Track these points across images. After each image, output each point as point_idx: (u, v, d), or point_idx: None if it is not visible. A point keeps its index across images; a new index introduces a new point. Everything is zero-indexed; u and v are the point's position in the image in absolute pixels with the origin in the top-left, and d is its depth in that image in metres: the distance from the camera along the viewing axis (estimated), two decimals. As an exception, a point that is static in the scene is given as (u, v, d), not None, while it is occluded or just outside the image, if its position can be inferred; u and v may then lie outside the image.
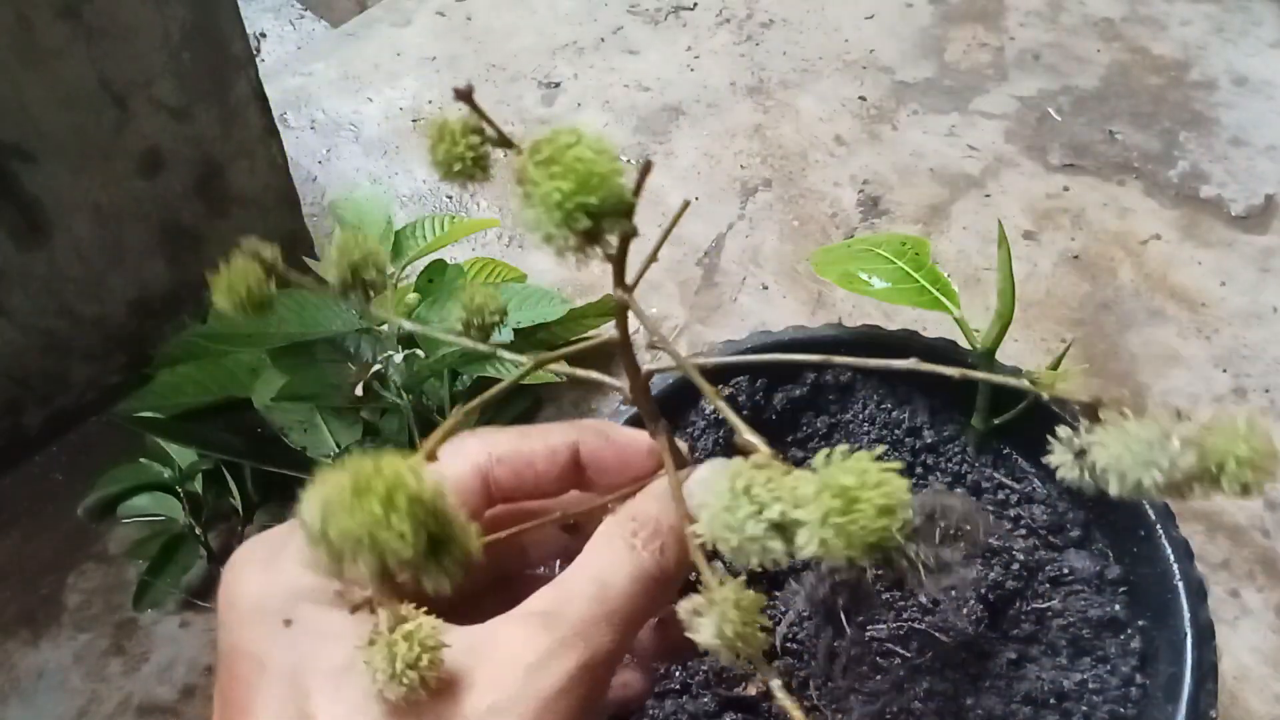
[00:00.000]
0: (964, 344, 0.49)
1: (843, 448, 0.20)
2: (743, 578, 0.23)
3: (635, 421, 0.47)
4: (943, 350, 0.51)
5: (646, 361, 0.29)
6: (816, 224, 0.82)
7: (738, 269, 0.79)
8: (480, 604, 0.28)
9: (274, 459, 0.65)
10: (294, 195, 0.77)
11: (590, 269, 0.79)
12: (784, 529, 0.20)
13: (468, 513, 0.29)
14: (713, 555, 0.30)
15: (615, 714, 0.35)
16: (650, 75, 0.95)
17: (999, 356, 0.47)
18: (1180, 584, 0.44)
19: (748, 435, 0.23)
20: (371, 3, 1.07)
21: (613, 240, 0.22)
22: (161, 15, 0.61)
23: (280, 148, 0.74)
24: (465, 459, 0.30)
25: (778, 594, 0.48)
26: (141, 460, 0.66)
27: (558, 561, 0.42)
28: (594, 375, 0.31)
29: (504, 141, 0.24)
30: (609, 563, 0.27)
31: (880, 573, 0.47)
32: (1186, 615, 0.43)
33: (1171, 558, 0.44)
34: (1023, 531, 0.49)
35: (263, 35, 1.18)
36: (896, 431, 0.52)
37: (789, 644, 0.46)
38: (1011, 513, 0.49)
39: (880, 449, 0.20)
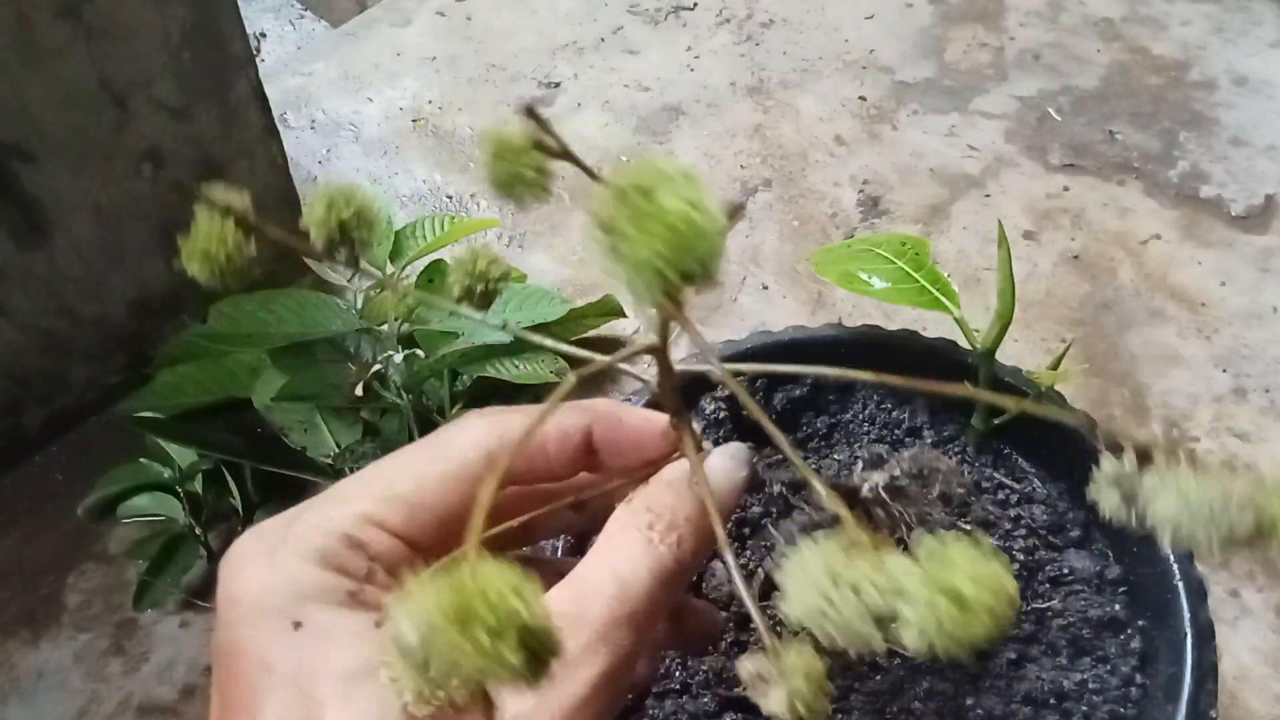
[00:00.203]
0: (964, 344, 0.49)
1: (946, 538, 0.20)
2: (808, 644, 0.22)
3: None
4: (943, 350, 0.51)
5: (645, 368, 0.29)
6: (816, 224, 0.82)
7: (738, 269, 0.79)
8: None
9: (274, 459, 0.65)
10: (294, 195, 0.77)
11: (590, 269, 0.80)
12: (884, 621, 0.20)
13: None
14: (712, 556, 0.30)
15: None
16: (650, 75, 0.95)
17: (999, 356, 0.47)
18: (1180, 584, 0.44)
19: (828, 502, 0.22)
20: (371, 3, 1.07)
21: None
22: (161, 15, 0.61)
23: (280, 148, 0.74)
24: (474, 444, 0.29)
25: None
26: (141, 460, 0.66)
27: (562, 537, 0.42)
28: (627, 368, 0.30)
29: (585, 170, 0.22)
30: (628, 559, 0.26)
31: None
32: (1186, 615, 0.43)
33: (1171, 558, 0.44)
34: (1023, 531, 0.48)
35: (263, 35, 1.18)
36: (896, 431, 0.52)
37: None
38: (1011, 513, 0.49)
39: (986, 539, 0.20)
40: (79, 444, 0.71)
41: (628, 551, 0.27)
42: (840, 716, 0.44)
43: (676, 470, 0.29)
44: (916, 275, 0.49)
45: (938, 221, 0.81)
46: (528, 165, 0.23)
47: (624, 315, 0.72)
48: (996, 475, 0.50)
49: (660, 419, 0.30)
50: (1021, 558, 0.47)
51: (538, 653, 0.18)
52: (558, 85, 0.95)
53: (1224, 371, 0.71)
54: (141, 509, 0.66)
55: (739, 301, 0.77)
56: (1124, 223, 0.80)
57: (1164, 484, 0.20)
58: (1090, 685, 0.45)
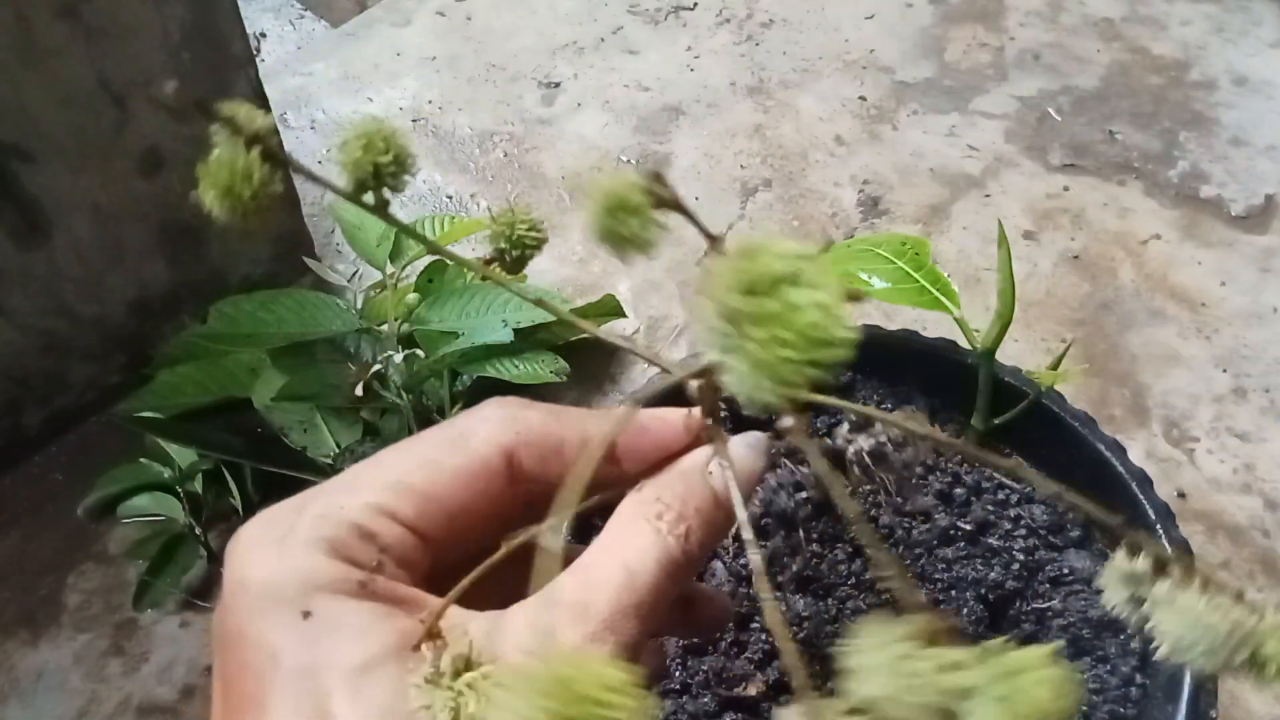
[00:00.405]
0: (964, 344, 0.49)
1: (1009, 647, 0.20)
2: (846, 700, 0.22)
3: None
4: (943, 350, 0.51)
5: (644, 368, 0.29)
6: (816, 224, 0.82)
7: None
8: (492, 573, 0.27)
9: (274, 459, 0.65)
10: (294, 195, 0.77)
11: (590, 269, 0.80)
12: (948, 714, 0.20)
13: (490, 500, 0.28)
14: (711, 557, 0.30)
15: None
16: (650, 75, 0.95)
17: (999, 357, 0.47)
18: (1181, 584, 0.44)
19: (911, 597, 0.22)
20: (371, 3, 1.07)
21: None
22: (161, 15, 0.61)
23: (280, 148, 0.74)
24: (491, 439, 0.28)
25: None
26: (141, 460, 0.66)
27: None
28: (629, 346, 0.30)
29: (702, 230, 0.21)
30: (636, 549, 0.26)
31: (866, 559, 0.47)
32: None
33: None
34: (1023, 531, 0.48)
35: (263, 35, 1.18)
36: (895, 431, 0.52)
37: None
38: (1011, 513, 0.49)
39: (1056, 644, 0.20)
40: (79, 444, 0.71)
41: (636, 542, 0.26)
42: None
43: (688, 460, 0.29)
44: (916, 275, 0.49)
45: (938, 221, 0.81)
46: (643, 223, 0.22)
47: (623, 315, 0.72)
48: (997, 475, 0.50)
49: (678, 415, 0.30)
50: (1021, 558, 0.47)
51: None
52: (558, 85, 0.95)
53: (1224, 371, 0.71)
54: (141, 509, 0.66)
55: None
56: (1124, 223, 0.80)
57: (1173, 600, 0.21)
58: (1090, 685, 0.45)
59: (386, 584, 0.25)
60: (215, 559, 0.64)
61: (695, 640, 0.46)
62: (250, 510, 0.65)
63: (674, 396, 0.28)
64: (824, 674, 0.46)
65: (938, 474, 0.50)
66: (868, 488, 0.49)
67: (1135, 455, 0.49)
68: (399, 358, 0.63)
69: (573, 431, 0.29)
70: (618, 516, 0.28)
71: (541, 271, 0.79)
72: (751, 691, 0.46)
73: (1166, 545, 0.22)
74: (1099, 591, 0.48)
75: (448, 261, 0.68)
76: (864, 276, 0.50)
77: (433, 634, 0.24)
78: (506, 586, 0.26)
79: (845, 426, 0.50)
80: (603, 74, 0.95)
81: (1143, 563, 0.22)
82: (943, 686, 0.20)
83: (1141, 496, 0.45)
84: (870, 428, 0.49)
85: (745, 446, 0.30)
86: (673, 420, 0.30)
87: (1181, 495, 0.65)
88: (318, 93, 0.95)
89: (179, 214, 0.68)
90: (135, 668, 0.61)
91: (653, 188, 0.21)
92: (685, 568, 0.27)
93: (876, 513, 0.49)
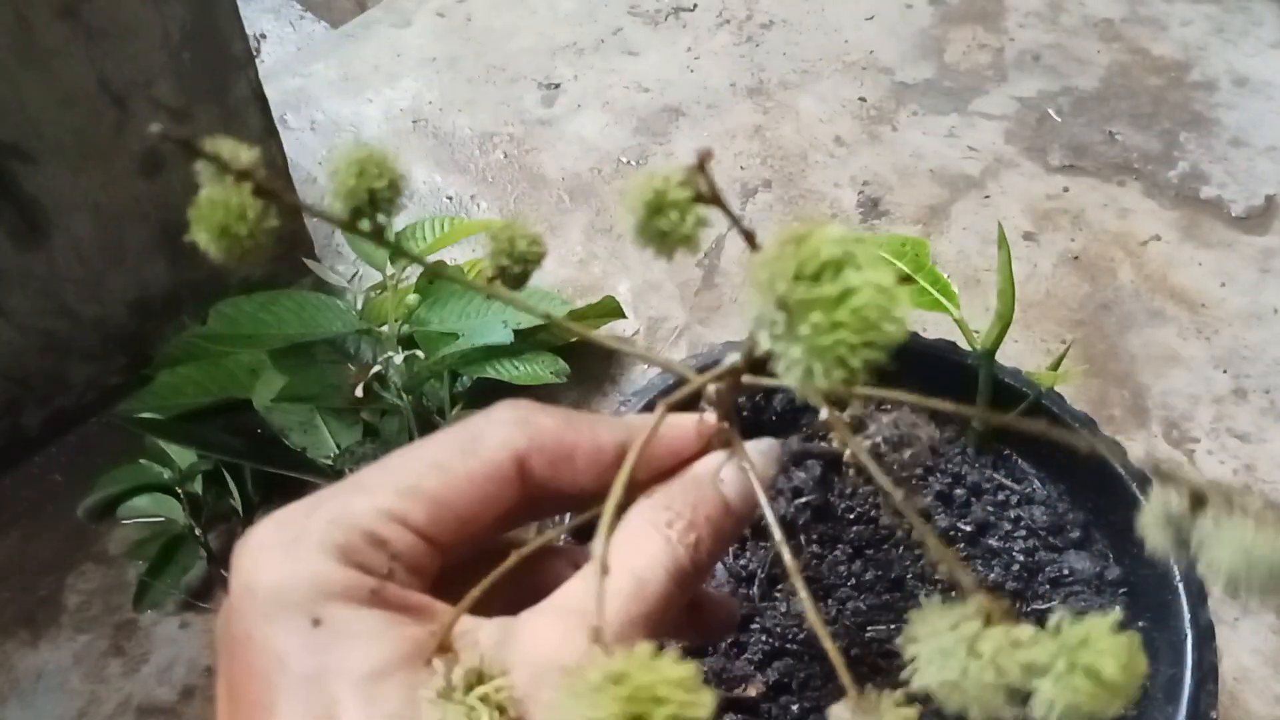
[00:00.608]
0: (964, 345, 0.49)
1: (1069, 618, 0.20)
2: (899, 695, 0.22)
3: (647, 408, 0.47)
4: (943, 351, 0.51)
5: (644, 369, 0.29)
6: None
7: (738, 270, 0.79)
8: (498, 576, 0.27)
9: (274, 460, 0.65)
10: (294, 196, 0.77)
11: (590, 270, 0.80)
12: (1015, 694, 0.20)
13: (500, 505, 0.28)
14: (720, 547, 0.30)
15: None
16: (650, 76, 0.95)
17: (999, 357, 0.47)
18: (1180, 585, 0.44)
19: (964, 577, 0.22)
20: (371, 3, 1.07)
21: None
22: (161, 15, 0.61)
23: (280, 148, 0.74)
24: (503, 444, 0.28)
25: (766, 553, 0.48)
26: (141, 461, 0.66)
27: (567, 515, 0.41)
28: (628, 349, 0.30)
29: (741, 229, 0.21)
30: (645, 557, 0.26)
31: (879, 573, 0.47)
32: (1187, 616, 0.43)
33: (1172, 558, 0.44)
34: (1022, 532, 0.48)
35: (262, 36, 1.18)
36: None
37: (789, 645, 0.46)
38: (1011, 514, 0.49)
39: (1115, 613, 0.20)
40: (79, 445, 0.71)
41: (646, 549, 0.26)
42: None
43: (699, 467, 0.29)
44: (916, 276, 0.49)
45: (937, 222, 0.81)
46: (690, 220, 0.21)
47: (623, 316, 0.72)
48: (996, 476, 0.50)
49: (690, 420, 0.30)
50: (1021, 559, 0.48)
51: None
52: (558, 86, 0.95)
53: (1224, 372, 0.71)
54: (141, 510, 0.66)
55: (739, 302, 0.77)
56: (1124, 223, 0.80)
57: (1219, 534, 0.21)
58: (1090, 686, 0.45)
59: (397, 591, 0.25)
60: (215, 560, 0.64)
61: (706, 640, 0.46)
62: (250, 511, 0.65)
63: (690, 400, 0.28)
64: (824, 674, 0.46)
65: (938, 475, 0.50)
66: (866, 488, 0.49)
67: (1135, 456, 0.49)
68: (399, 359, 0.63)
69: (585, 438, 0.28)
70: (627, 523, 0.27)
71: (542, 272, 0.78)
72: (751, 692, 0.46)
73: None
74: (1099, 592, 0.48)
75: (448, 262, 0.68)
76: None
77: (444, 647, 0.24)
78: (509, 588, 0.26)
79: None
80: (603, 75, 0.95)
81: (1179, 500, 0.21)
82: (1010, 665, 0.20)
83: (1142, 497, 0.45)
84: (865, 429, 0.49)
85: (758, 454, 0.30)
86: (685, 425, 0.29)
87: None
88: (317, 94, 0.95)
89: (179, 214, 0.68)
90: (135, 668, 0.61)
91: (694, 181, 0.21)
92: (694, 577, 0.27)
93: (876, 513, 0.49)
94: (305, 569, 0.24)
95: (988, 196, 0.83)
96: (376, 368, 0.64)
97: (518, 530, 0.31)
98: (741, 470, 0.29)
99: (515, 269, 0.28)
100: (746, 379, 0.27)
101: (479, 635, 0.25)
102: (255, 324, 0.65)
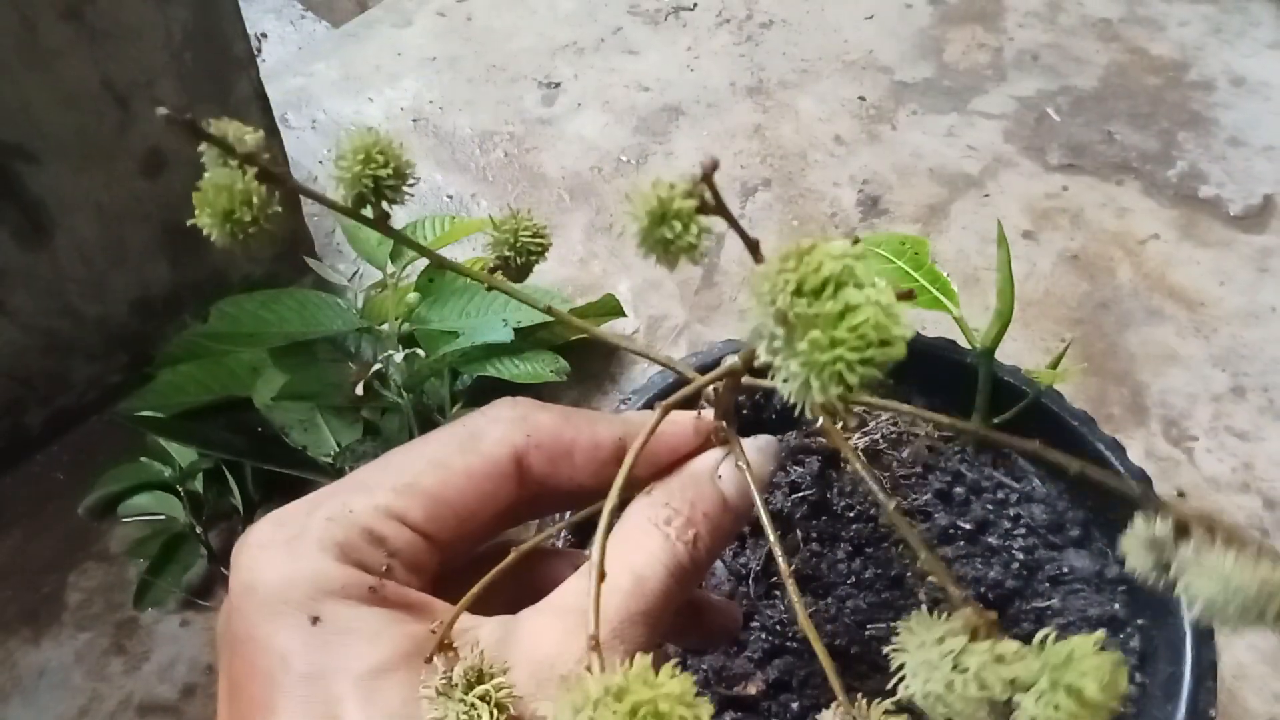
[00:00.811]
0: (963, 343, 0.49)
1: (1053, 635, 0.20)
2: (888, 704, 0.22)
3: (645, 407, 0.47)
4: (942, 350, 0.51)
5: (645, 368, 0.29)
6: (816, 224, 0.82)
7: (738, 269, 0.79)
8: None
9: (275, 458, 0.65)
10: (295, 196, 0.78)
11: (590, 269, 0.80)
12: (998, 708, 0.20)
13: (499, 502, 0.28)
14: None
15: None
16: (650, 75, 0.95)
17: (998, 356, 0.47)
18: (1179, 583, 0.44)
19: (954, 590, 0.22)
20: (372, 3, 1.08)
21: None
22: (163, 16, 0.61)
23: (281, 148, 0.74)
24: (502, 441, 0.28)
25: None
26: (142, 459, 0.66)
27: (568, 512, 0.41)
28: (630, 347, 0.30)
29: (744, 238, 0.21)
30: (644, 554, 0.26)
31: (879, 571, 0.47)
32: (1186, 614, 0.43)
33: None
34: (1022, 531, 0.49)
35: (264, 36, 1.18)
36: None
37: (788, 643, 0.46)
38: (1011, 512, 0.49)
39: (1099, 634, 0.20)
40: (80, 443, 0.71)
41: (644, 547, 0.26)
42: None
43: (697, 464, 0.29)
44: (916, 275, 0.49)
45: (937, 221, 0.82)
46: (693, 230, 0.21)
47: (623, 315, 0.73)
48: (996, 474, 0.50)
49: (688, 418, 0.30)
50: (1021, 557, 0.48)
51: None
52: (558, 85, 0.95)
53: (1222, 371, 0.71)
54: (142, 508, 0.66)
55: (739, 301, 0.77)
56: (1122, 222, 0.81)
57: (1200, 562, 0.21)
58: (1089, 684, 0.45)
59: (396, 589, 0.25)
60: (216, 558, 0.65)
61: (709, 645, 0.46)
62: (251, 509, 0.65)
63: (689, 398, 0.28)
64: (824, 672, 0.46)
65: (937, 473, 0.50)
66: (864, 488, 0.49)
67: (1134, 454, 0.49)
68: (399, 357, 0.63)
69: (583, 434, 0.29)
70: (626, 521, 0.27)
71: (541, 271, 0.78)
72: (751, 690, 0.46)
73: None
74: (1098, 590, 0.48)
75: (445, 260, 0.68)
76: (864, 276, 0.50)
77: (444, 645, 0.24)
78: (509, 587, 0.26)
79: (839, 425, 0.50)
80: (603, 74, 0.96)
81: (1164, 526, 0.22)
82: (993, 680, 0.20)
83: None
84: (864, 427, 0.50)
85: (756, 451, 0.30)
86: (683, 423, 0.29)
87: (1180, 494, 0.65)
88: (319, 93, 0.95)
89: (181, 214, 0.68)
90: (136, 666, 0.61)
91: (698, 192, 0.21)
92: (693, 573, 0.27)
93: (875, 511, 0.49)
94: (305, 567, 0.24)
95: (987, 195, 0.83)
96: (377, 366, 0.64)
97: (516, 530, 0.31)
98: (752, 463, 0.29)
99: (518, 260, 0.28)
100: (746, 380, 0.28)
101: (479, 634, 0.25)
102: (256, 322, 0.65)
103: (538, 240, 0.28)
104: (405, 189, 0.26)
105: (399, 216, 0.91)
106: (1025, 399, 0.47)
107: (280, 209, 0.24)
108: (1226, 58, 0.93)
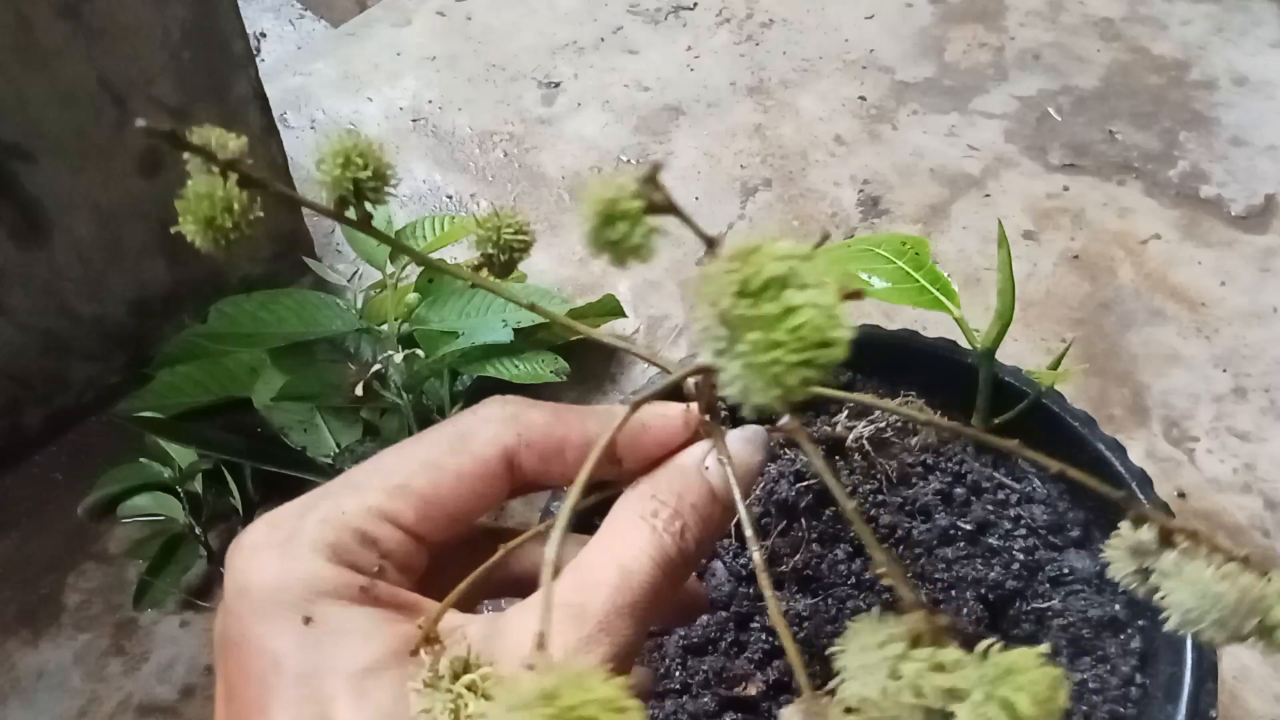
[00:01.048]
0: (964, 344, 0.49)
1: (999, 648, 0.20)
2: (842, 700, 0.22)
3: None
4: (943, 350, 0.51)
5: (645, 368, 0.29)
6: (816, 224, 0.82)
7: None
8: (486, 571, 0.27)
9: (274, 459, 0.65)
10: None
11: (590, 269, 0.80)
12: (936, 715, 0.20)
13: (490, 501, 0.28)
14: (711, 556, 0.30)
15: None
16: (650, 75, 0.95)
17: (999, 356, 0.47)
18: (1180, 584, 0.44)
19: (905, 593, 0.22)
20: (371, 2, 1.07)
21: None
22: (161, 15, 0.61)
23: (280, 147, 0.74)
24: (492, 441, 0.28)
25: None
26: (141, 460, 0.66)
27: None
28: (628, 348, 0.30)
29: (700, 234, 0.21)
30: (631, 547, 0.26)
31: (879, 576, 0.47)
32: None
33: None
34: (1023, 531, 0.48)
35: (263, 35, 1.18)
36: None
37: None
38: (1011, 512, 0.49)
39: (1044, 648, 0.20)
40: (79, 444, 0.71)
41: (631, 540, 0.26)
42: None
43: (684, 456, 0.29)
44: (916, 275, 0.49)
45: (938, 221, 0.81)
46: (640, 231, 0.21)
47: (623, 315, 0.72)
48: (997, 475, 0.50)
49: (677, 411, 0.30)
50: (1021, 558, 0.47)
51: None
52: (558, 85, 0.95)
53: (1224, 371, 0.71)
54: (141, 509, 0.66)
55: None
56: (1124, 222, 0.80)
57: (1181, 571, 0.21)
58: (1090, 685, 0.45)
59: (387, 589, 0.25)
60: (215, 559, 0.64)
61: (696, 640, 0.46)
62: (250, 510, 0.65)
63: (675, 394, 0.28)
64: (825, 674, 0.46)
65: (938, 474, 0.50)
66: (868, 487, 0.49)
67: (1135, 455, 0.49)
68: (399, 357, 0.63)
69: (574, 431, 0.29)
70: (614, 515, 0.28)
71: (541, 271, 0.79)
72: (751, 691, 0.46)
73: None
74: (1099, 591, 0.48)
75: (445, 261, 0.68)
76: (864, 276, 0.50)
77: (430, 638, 0.24)
78: (499, 580, 0.26)
79: (845, 413, 0.50)
80: (603, 74, 0.95)
81: (1149, 534, 0.21)
82: (932, 687, 0.20)
83: (1141, 496, 0.45)
84: (871, 414, 0.49)
85: (743, 441, 0.30)
86: (673, 416, 0.29)
87: (1181, 495, 0.65)
88: (318, 92, 0.95)
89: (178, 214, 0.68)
90: (135, 667, 0.61)
91: (646, 192, 0.21)
92: (682, 565, 0.27)
93: (877, 512, 0.49)
94: (297, 569, 0.25)
95: (988, 195, 0.83)
96: (376, 366, 0.64)
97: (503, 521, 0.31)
98: (738, 453, 0.29)
99: (501, 257, 0.28)
100: (679, 363, 0.28)
101: (468, 631, 0.25)
102: (255, 323, 0.65)
103: (520, 237, 0.28)
104: (387, 189, 0.26)
105: (399, 216, 0.91)
106: (1026, 400, 0.47)
107: (263, 214, 0.24)
108: (1229, 57, 0.93)
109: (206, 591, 0.64)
